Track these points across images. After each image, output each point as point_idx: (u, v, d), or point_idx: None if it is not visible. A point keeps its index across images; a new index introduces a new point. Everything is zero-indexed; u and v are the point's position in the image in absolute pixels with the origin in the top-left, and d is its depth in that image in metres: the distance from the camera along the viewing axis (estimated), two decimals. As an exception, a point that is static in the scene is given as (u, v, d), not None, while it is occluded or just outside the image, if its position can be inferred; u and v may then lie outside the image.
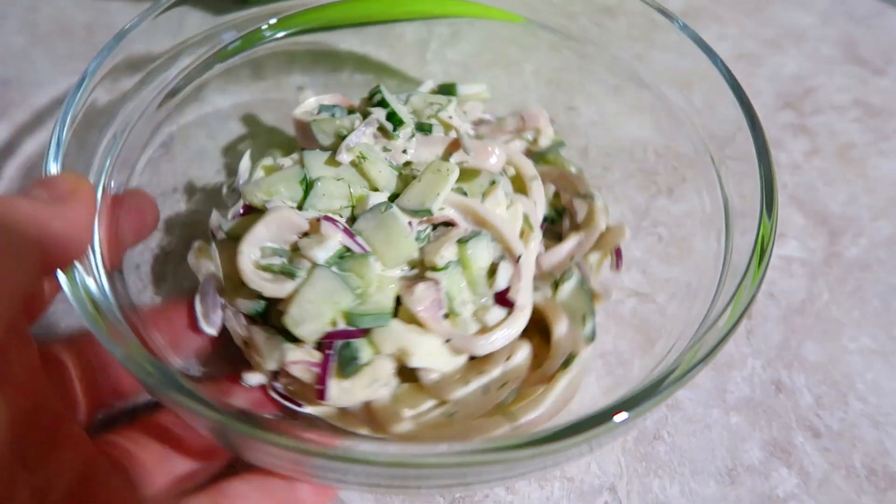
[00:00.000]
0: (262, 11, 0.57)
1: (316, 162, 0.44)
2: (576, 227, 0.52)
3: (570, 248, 0.50)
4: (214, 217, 0.46)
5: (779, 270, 0.57)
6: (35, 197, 0.34)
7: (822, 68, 0.71)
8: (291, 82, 0.63)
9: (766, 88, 0.70)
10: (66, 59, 0.66)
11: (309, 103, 0.50)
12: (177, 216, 0.55)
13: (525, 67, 0.66)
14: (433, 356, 0.41)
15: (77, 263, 0.36)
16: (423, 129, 0.46)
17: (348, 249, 0.41)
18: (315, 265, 0.40)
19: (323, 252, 0.40)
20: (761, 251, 0.40)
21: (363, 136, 0.44)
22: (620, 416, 0.33)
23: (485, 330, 0.42)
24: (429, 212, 0.42)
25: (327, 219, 0.41)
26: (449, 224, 0.44)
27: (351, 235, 0.41)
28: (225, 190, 0.54)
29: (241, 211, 0.45)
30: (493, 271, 0.44)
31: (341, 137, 0.45)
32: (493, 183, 0.45)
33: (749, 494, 0.45)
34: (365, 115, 0.47)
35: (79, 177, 0.37)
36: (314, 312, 0.39)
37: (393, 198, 0.44)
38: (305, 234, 0.42)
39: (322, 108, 0.50)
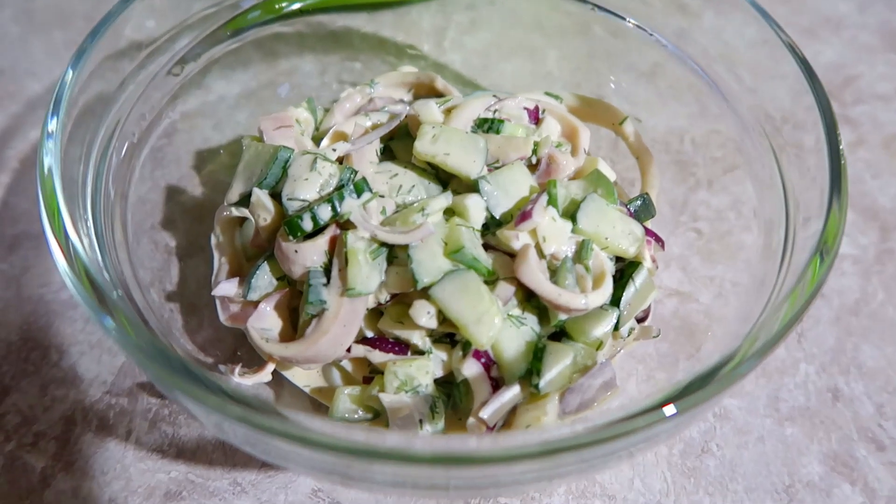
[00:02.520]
0: None
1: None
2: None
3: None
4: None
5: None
6: None
7: (863, 57, 0.67)
8: (305, 69, 0.59)
9: (789, 73, 0.66)
10: (63, 49, 0.63)
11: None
12: (181, 210, 0.50)
13: (549, 54, 0.62)
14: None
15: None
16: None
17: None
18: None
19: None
20: (825, 245, 0.35)
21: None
22: (668, 409, 0.29)
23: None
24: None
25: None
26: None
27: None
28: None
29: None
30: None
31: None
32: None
33: (810, 514, 0.41)
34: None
35: None
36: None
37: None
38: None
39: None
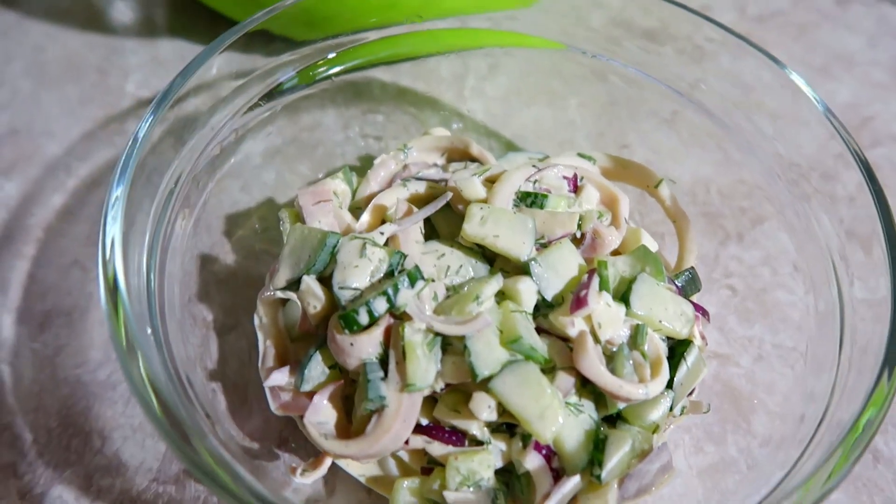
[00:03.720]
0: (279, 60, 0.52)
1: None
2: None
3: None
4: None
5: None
6: None
7: (878, 95, 0.68)
8: (327, 122, 0.58)
9: (820, 119, 0.66)
10: (77, 105, 0.61)
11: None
12: (215, 280, 0.50)
13: (570, 101, 0.62)
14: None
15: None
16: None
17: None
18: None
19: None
20: (892, 358, 0.35)
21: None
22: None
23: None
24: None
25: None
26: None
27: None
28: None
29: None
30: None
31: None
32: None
33: (860, 584, 0.42)
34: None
35: None
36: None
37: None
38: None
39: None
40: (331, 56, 0.52)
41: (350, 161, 0.58)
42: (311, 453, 0.40)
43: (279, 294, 0.41)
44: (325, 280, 0.41)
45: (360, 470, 0.39)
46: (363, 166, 0.58)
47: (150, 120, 0.39)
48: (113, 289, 0.34)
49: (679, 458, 0.44)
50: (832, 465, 0.31)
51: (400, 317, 0.38)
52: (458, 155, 0.50)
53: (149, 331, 0.36)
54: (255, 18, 0.46)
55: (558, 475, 0.37)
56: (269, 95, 0.51)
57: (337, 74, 0.54)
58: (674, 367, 0.40)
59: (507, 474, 0.39)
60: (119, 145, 0.59)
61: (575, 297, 0.38)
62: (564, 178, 0.46)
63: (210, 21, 0.67)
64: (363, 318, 0.37)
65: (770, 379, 0.45)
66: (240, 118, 0.50)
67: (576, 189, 0.46)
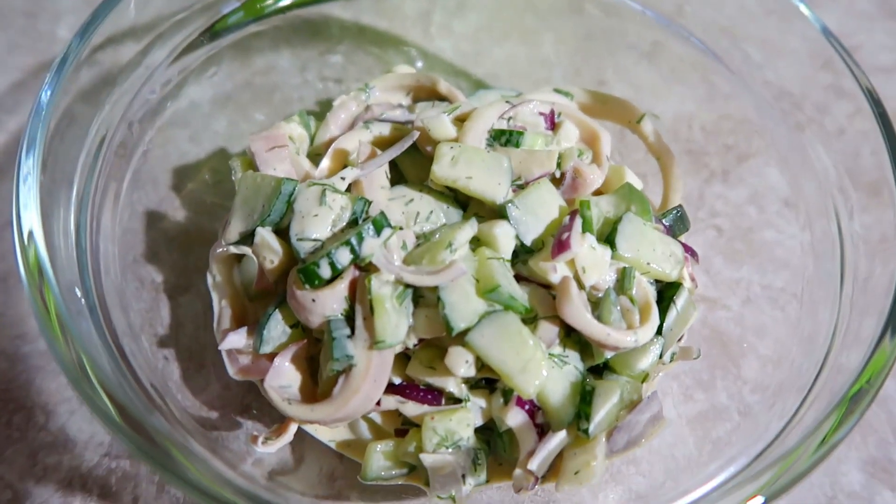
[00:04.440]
0: None
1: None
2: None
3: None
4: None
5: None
6: None
7: (863, 25, 0.65)
8: (282, 65, 0.53)
9: (801, 47, 0.63)
10: (5, 53, 0.56)
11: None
12: (165, 238, 0.46)
13: (544, 37, 0.58)
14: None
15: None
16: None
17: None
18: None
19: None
20: None
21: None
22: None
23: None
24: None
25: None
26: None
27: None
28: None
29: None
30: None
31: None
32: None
33: (856, 527, 0.40)
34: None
35: None
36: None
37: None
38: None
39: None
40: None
41: (309, 106, 0.54)
42: (275, 420, 0.37)
43: (232, 249, 0.37)
44: (282, 232, 0.37)
45: (329, 435, 0.36)
46: (322, 111, 0.53)
47: (69, 59, 0.34)
48: (33, 257, 0.30)
49: (668, 406, 0.42)
50: (836, 417, 0.29)
51: (366, 268, 0.34)
52: (425, 94, 0.46)
53: (80, 296, 0.33)
54: None
55: (543, 431, 0.34)
56: (213, 32, 0.46)
57: (289, 7, 0.49)
58: (663, 312, 0.37)
59: (489, 432, 0.36)
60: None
61: (556, 241, 0.35)
62: (541, 114, 0.42)
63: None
64: (325, 272, 0.33)
65: (760, 322, 0.43)
66: (180, 59, 0.45)
67: (553, 126, 0.43)
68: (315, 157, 0.44)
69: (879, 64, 0.62)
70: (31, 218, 0.32)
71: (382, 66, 0.57)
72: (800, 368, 0.35)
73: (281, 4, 0.48)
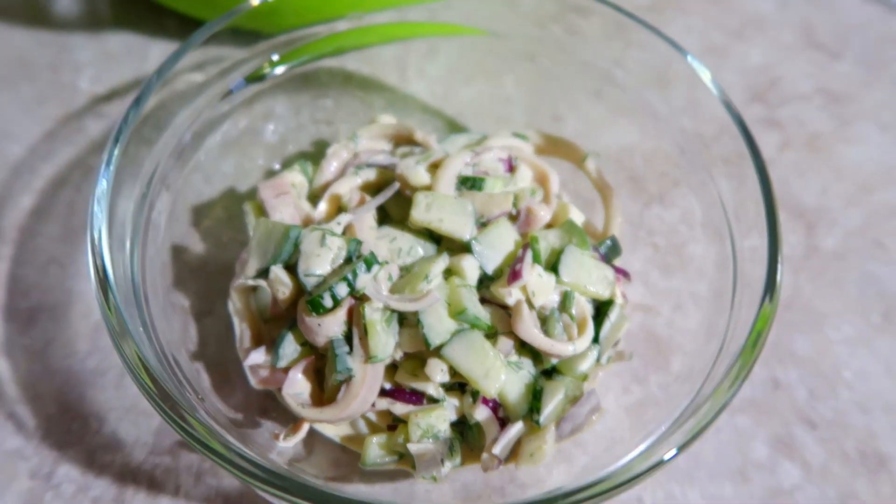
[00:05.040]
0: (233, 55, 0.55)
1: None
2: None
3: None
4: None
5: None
6: None
7: (785, 55, 0.74)
8: (278, 111, 0.62)
9: (736, 81, 0.73)
10: (34, 105, 0.63)
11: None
12: (188, 269, 0.54)
13: (505, 79, 0.66)
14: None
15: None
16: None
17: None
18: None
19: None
20: (770, 286, 0.42)
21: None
22: (670, 454, 0.36)
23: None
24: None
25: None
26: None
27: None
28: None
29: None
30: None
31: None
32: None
33: (760, 490, 0.50)
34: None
35: None
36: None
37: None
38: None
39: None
40: (275, 57, 0.56)
41: (303, 146, 0.62)
42: (289, 420, 0.46)
43: (251, 282, 0.46)
44: (291, 268, 0.45)
45: (334, 431, 0.45)
46: (317, 151, 0.62)
47: (125, 130, 0.42)
48: (103, 279, 0.39)
49: (610, 399, 0.51)
50: (724, 389, 0.38)
51: (360, 298, 0.43)
52: (404, 140, 0.55)
53: (136, 317, 0.41)
54: (217, 21, 0.49)
55: (504, 423, 0.44)
56: (226, 94, 0.55)
57: (289, 68, 0.57)
58: (599, 324, 0.46)
59: (462, 425, 0.45)
60: (79, 143, 0.62)
61: (511, 271, 0.44)
62: (500, 160, 0.51)
63: (154, 11, 0.69)
64: (328, 302, 0.42)
65: (686, 324, 0.52)
66: (199, 118, 0.53)
67: (511, 168, 0.52)
68: (313, 198, 0.53)
69: (799, 91, 0.72)
70: (101, 238, 0.41)
71: (366, 107, 0.65)
72: (706, 356, 0.45)
73: (278, 71, 0.56)
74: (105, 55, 0.67)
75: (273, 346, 0.45)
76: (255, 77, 0.53)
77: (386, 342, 0.42)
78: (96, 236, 0.39)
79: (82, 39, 0.68)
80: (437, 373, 0.42)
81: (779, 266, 0.41)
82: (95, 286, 0.39)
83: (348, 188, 0.49)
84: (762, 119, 0.69)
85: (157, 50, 0.69)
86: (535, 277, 0.44)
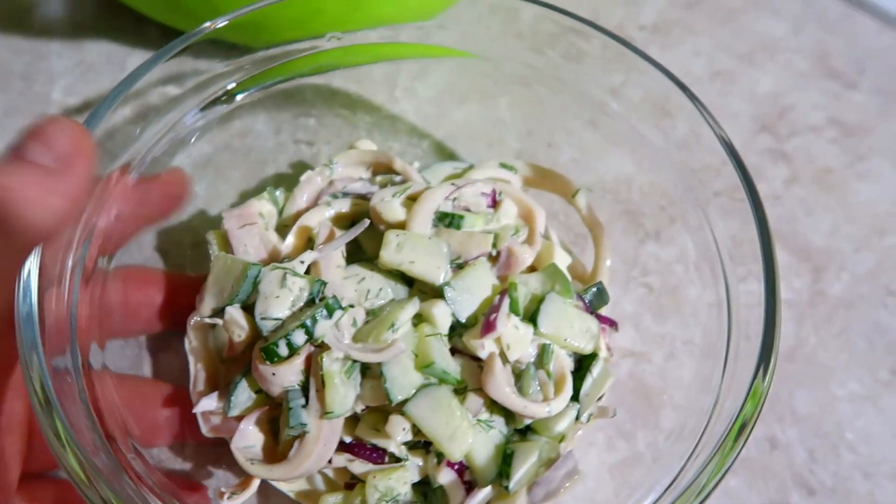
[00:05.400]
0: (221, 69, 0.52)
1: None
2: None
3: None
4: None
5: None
6: (33, 161, 0.32)
7: (797, 83, 0.70)
8: (258, 129, 0.59)
9: (743, 109, 0.69)
10: (3, 116, 0.61)
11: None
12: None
13: (500, 101, 0.63)
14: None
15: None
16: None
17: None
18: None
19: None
20: (768, 345, 0.39)
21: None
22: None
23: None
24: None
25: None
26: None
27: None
28: None
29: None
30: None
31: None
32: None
33: (751, 562, 0.46)
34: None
35: (76, 129, 0.33)
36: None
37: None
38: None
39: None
40: (257, 72, 0.52)
41: (282, 168, 0.59)
42: (243, 472, 0.43)
43: (207, 321, 0.43)
44: (250, 308, 0.42)
45: (289, 486, 0.42)
46: (295, 173, 0.59)
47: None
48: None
49: (592, 455, 0.48)
50: (716, 462, 0.35)
51: (320, 345, 0.40)
52: (383, 169, 0.52)
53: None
54: (197, 31, 0.46)
55: (471, 487, 0.40)
56: (203, 108, 0.52)
57: (272, 84, 0.54)
58: (580, 380, 0.42)
59: (425, 486, 0.42)
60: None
61: (485, 321, 0.40)
62: (483, 194, 0.47)
63: (136, 21, 0.66)
64: (283, 351, 0.39)
65: (679, 375, 0.49)
66: (171, 132, 0.50)
67: (494, 204, 0.48)
68: (283, 228, 0.50)
69: (810, 123, 0.68)
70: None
71: (351, 128, 0.62)
72: (699, 413, 0.41)
73: (261, 87, 0.53)
74: (82, 65, 0.64)
75: (227, 393, 0.42)
76: (234, 92, 0.50)
77: (345, 395, 0.39)
78: (24, 274, 0.36)
79: (59, 47, 0.65)
80: (399, 431, 0.39)
81: (775, 343, 0.37)
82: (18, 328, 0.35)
83: (318, 220, 0.46)
84: (770, 150, 0.66)
85: (136, 60, 0.66)
86: (510, 329, 0.40)
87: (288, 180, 0.54)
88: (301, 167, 0.58)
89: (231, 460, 0.45)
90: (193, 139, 0.53)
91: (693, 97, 0.46)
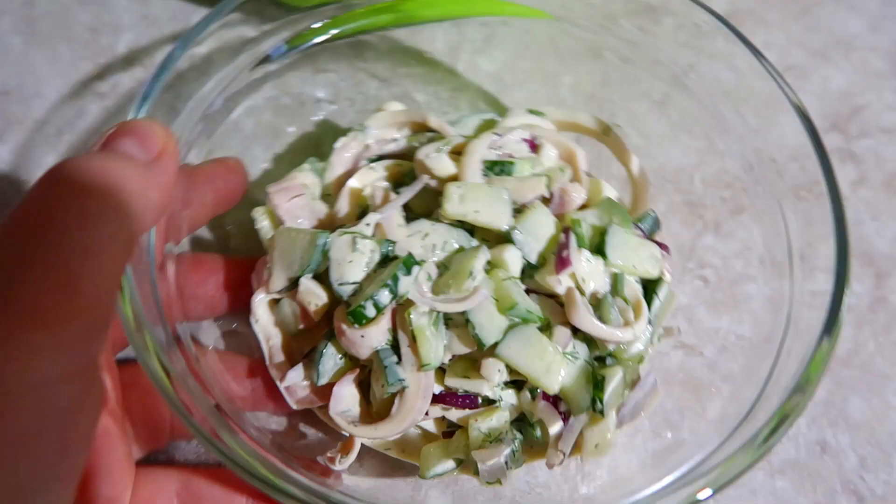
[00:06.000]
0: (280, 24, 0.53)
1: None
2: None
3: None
4: None
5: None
6: (127, 156, 0.34)
7: (871, 83, 0.69)
8: (316, 93, 0.58)
9: (813, 106, 0.69)
10: (69, 67, 0.63)
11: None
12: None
13: (563, 80, 0.65)
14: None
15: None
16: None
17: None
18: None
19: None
20: (832, 319, 0.38)
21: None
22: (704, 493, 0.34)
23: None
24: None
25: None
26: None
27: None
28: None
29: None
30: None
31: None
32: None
33: (795, 564, 0.46)
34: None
35: (165, 129, 0.37)
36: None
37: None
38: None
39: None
40: (317, 25, 0.53)
41: (350, 119, 0.59)
42: (330, 432, 0.44)
43: (276, 296, 0.43)
44: (320, 276, 0.43)
45: (384, 444, 0.43)
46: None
47: (150, 95, 0.41)
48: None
49: (638, 441, 0.47)
50: (750, 451, 0.36)
51: (403, 303, 0.40)
52: (417, 128, 0.52)
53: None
54: None
55: (566, 416, 0.41)
56: (259, 63, 0.52)
57: (329, 40, 0.54)
58: (650, 303, 0.45)
59: (520, 423, 0.45)
60: (108, 108, 0.61)
61: (558, 258, 0.43)
62: (523, 140, 0.47)
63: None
64: (370, 312, 0.41)
65: (729, 369, 0.49)
66: (228, 88, 0.51)
67: (534, 148, 0.48)
68: (326, 197, 0.50)
69: (882, 125, 0.68)
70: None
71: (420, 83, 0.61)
72: (742, 401, 0.41)
73: (320, 39, 0.52)
74: (146, 20, 0.67)
75: (309, 362, 0.42)
76: (297, 44, 0.50)
77: (437, 347, 0.42)
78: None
79: (125, 1, 0.66)
80: (495, 373, 0.43)
81: (842, 308, 0.37)
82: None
83: (369, 182, 0.46)
84: (838, 150, 0.66)
85: (201, 17, 0.67)
86: (583, 263, 0.42)
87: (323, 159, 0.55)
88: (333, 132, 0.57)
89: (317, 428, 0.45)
90: (254, 91, 0.54)
91: (781, 80, 0.45)
